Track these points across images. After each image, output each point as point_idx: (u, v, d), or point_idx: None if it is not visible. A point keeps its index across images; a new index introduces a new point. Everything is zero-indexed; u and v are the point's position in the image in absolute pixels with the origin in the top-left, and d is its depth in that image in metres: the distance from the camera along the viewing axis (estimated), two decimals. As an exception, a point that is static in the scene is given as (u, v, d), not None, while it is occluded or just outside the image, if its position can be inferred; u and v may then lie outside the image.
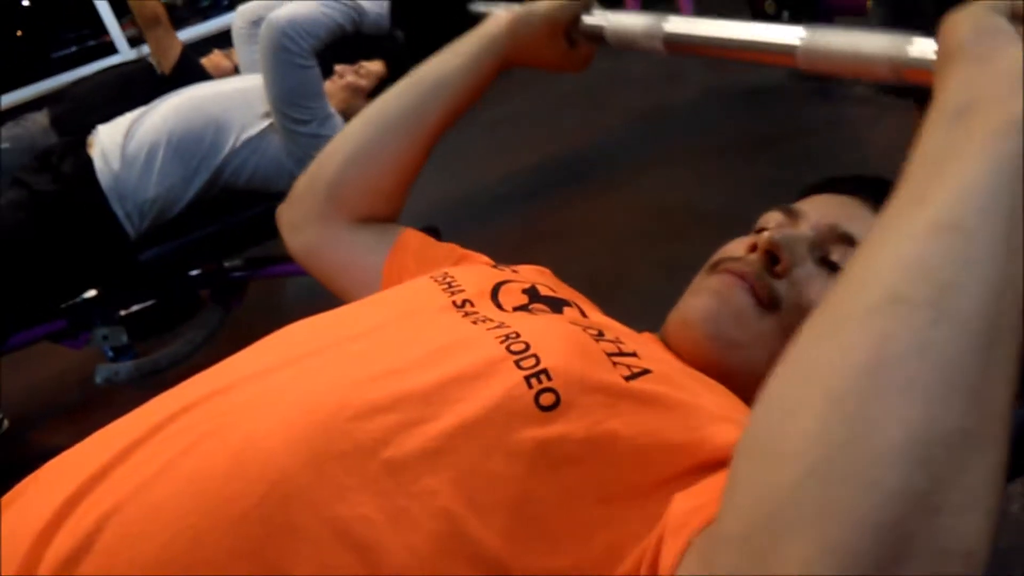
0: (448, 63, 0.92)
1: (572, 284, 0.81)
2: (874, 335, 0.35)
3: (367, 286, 0.87)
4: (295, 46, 1.83)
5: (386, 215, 0.94)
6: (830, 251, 0.68)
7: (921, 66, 0.57)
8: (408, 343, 0.58)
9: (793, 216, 0.71)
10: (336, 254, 0.92)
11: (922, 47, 0.57)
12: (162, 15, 2.35)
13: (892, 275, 0.37)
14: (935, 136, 0.42)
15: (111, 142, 1.89)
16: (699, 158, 2.97)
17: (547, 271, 0.82)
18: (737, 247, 0.72)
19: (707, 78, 3.68)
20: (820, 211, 0.71)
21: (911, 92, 1.54)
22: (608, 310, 0.77)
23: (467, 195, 3.17)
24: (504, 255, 0.89)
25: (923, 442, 0.32)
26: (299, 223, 0.93)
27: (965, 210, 0.37)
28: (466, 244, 0.92)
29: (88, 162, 1.88)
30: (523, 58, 0.93)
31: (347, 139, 0.92)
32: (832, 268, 0.67)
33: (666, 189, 2.80)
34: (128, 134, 1.90)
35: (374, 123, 0.91)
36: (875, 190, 0.71)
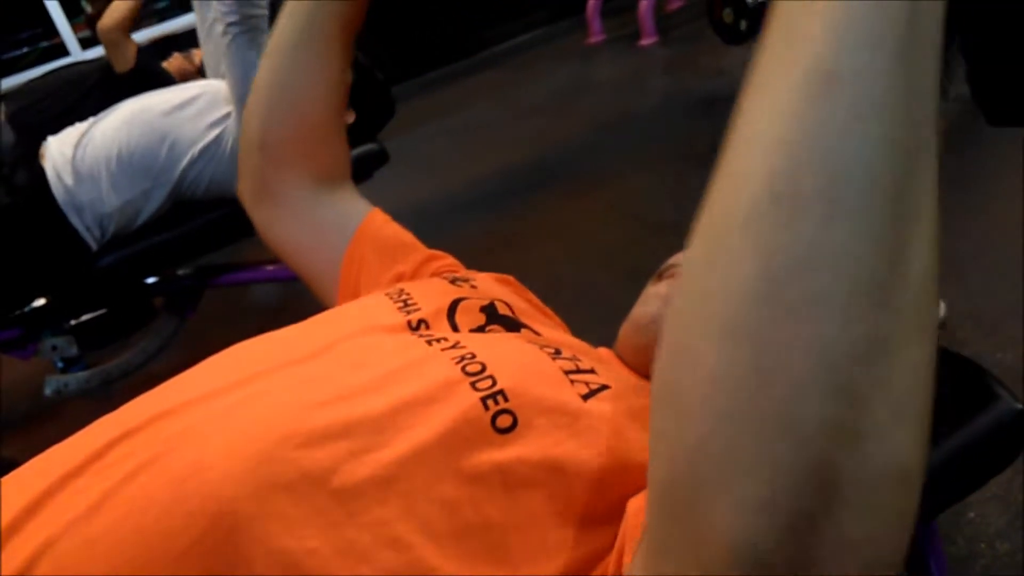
0: None
1: (534, 292, 0.80)
2: (761, 248, 0.30)
3: (327, 271, 0.84)
4: (242, 23, 1.80)
5: (332, 167, 0.87)
6: None
7: None
8: (359, 366, 0.56)
9: None
10: (295, 231, 0.86)
11: None
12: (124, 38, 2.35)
13: (771, 162, 0.30)
14: None
15: (61, 156, 1.85)
16: (662, 166, 2.99)
17: (511, 279, 0.80)
18: (682, 255, 0.72)
19: (669, 85, 3.70)
20: None
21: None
22: (570, 318, 0.76)
23: (430, 202, 3.15)
24: (466, 263, 0.87)
25: (832, 366, 0.28)
26: (251, 196, 0.88)
27: (841, 55, 0.30)
28: (430, 250, 0.88)
29: (41, 174, 1.83)
30: None
31: (257, 90, 0.85)
32: None
33: (629, 197, 2.81)
34: (78, 146, 1.86)
35: (273, 60, 0.84)
36: None
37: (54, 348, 2.06)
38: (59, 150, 1.87)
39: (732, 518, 0.29)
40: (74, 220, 1.82)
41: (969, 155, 2.17)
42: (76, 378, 2.12)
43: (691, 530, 0.31)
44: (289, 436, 0.48)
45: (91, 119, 1.94)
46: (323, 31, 0.82)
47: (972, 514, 1.34)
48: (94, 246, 1.87)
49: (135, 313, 2.31)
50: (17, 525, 0.46)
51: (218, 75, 2.04)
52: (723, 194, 0.33)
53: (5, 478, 0.52)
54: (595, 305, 2.08)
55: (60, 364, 2.15)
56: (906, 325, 0.30)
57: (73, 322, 2.12)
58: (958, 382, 0.90)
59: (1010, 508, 1.32)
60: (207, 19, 1.98)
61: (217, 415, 0.51)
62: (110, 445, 0.50)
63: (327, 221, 0.86)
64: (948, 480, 0.81)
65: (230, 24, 1.80)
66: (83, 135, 1.89)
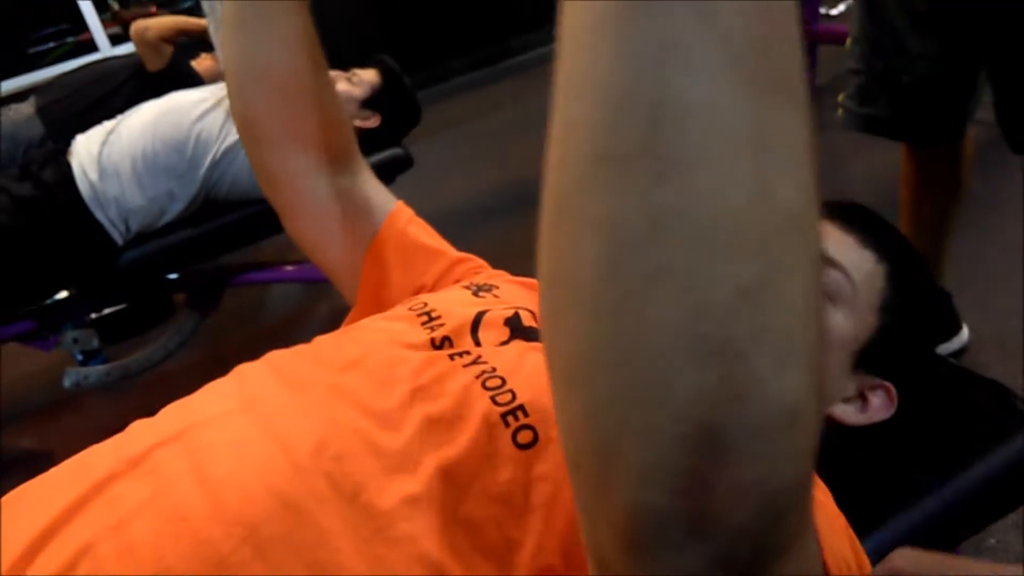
0: None
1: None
2: (594, 222, 0.27)
3: (352, 263, 0.82)
4: None
5: (333, 143, 0.82)
6: None
7: None
8: (387, 382, 0.56)
9: None
10: (317, 222, 0.82)
11: None
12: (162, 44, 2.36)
13: (593, 113, 0.27)
14: None
15: (87, 153, 1.87)
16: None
17: (537, 284, 0.79)
18: None
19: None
20: None
21: (889, 131, 1.54)
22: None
23: (455, 207, 3.15)
24: (491, 266, 0.86)
25: (697, 333, 0.26)
26: (266, 189, 0.85)
27: None
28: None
29: (68, 171, 1.85)
30: None
31: (227, 68, 0.81)
32: None
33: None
34: (104, 144, 1.88)
35: (233, 35, 0.78)
36: (842, 213, 0.72)
37: (75, 340, 2.08)
38: (86, 147, 1.88)
39: (626, 484, 0.29)
40: (99, 215, 1.84)
41: (994, 180, 2.15)
42: (95, 371, 2.13)
43: (597, 498, 0.31)
44: (321, 450, 0.48)
45: (119, 117, 1.96)
46: None
47: (993, 540, 1.32)
48: (119, 240, 1.88)
49: (156, 309, 2.32)
50: (60, 523, 0.47)
51: None
52: (552, 157, 0.30)
53: (47, 473, 0.53)
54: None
55: (80, 357, 2.16)
56: (778, 264, 0.27)
57: (95, 315, 2.13)
58: (984, 405, 0.89)
59: (1031, 535, 1.30)
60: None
61: (253, 427, 0.52)
62: (148, 451, 0.51)
63: (346, 213, 0.82)
64: (973, 506, 0.80)
65: None
66: (109, 133, 1.90)
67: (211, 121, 1.92)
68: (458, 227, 2.92)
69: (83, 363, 2.17)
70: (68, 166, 1.85)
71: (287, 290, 2.61)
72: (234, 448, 0.50)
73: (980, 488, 0.79)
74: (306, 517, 0.45)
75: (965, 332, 1.75)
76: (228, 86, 0.80)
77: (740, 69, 0.25)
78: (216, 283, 2.23)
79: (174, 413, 0.55)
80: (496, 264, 0.87)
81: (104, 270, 1.91)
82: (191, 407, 0.55)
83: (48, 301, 1.98)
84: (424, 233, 0.85)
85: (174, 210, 1.92)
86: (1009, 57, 1.34)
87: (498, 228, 2.93)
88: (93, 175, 1.84)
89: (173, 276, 2.18)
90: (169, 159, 1.87)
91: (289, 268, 2.19)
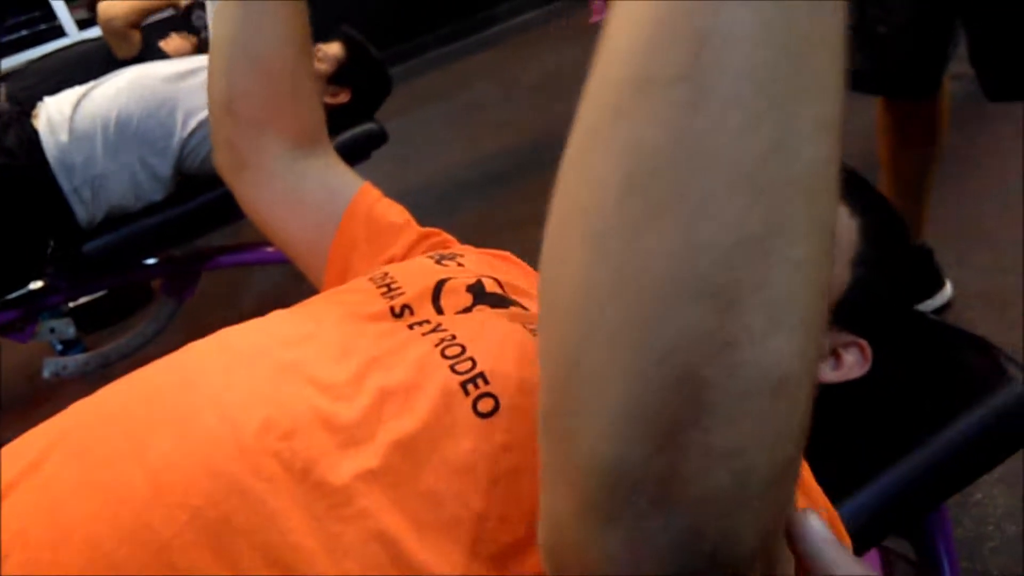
0: None
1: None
2: (624, 145, 0.27)
3: (317, 245, 0.81)
4: None
5: (307, 127, 0.82)
6: None
7: None
8: (341, 355, 0.54)
9: None
10: (280, 204, 0.82)
11: None
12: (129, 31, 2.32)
13: (633, 49, 0.28)
14: None
15: (59, 114, 1.81)
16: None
17: (508, 255, 0.78)
18: None
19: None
20: None
21: (866, 86, 1.53)
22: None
23: (431, 184, 3.13)
24: (467, 243, 0.85)
25: (696, 270, 0.26)
26: (228, 167, 0.84)
27: None
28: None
29: (33, 133, 1.79)
30: None
31: (215, 52, 0.81)
32: None
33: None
34: (77, 106, 1.82)
35: (228, 16, 0.79)
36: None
37: (52, 330, 2.05)
38: (57, 108, 1.82)
39: (597, 433, 0.28)
40: (62, 180, 1.77)
41: (972, 132, 2.14)
42: (75, 360, 2.11)
43: (565, 451, 0.30)
44: (269, 427, 0.46)
45: (92, 82, 1.91)
46: None
47: (979, 495, 1.32)
48: (83, 213, 1.82)
49: (133, 296, 2.29)
50: None
51: None
52: (591, 88, 0.30)
53: None
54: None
55: (59, 347, 2.14)
56: (790, 221, 0.27)
57: (71, 304, 2.11)
58: (969, 361, 0.88)
59: (1017, 489, 1.30)
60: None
61: (196, 405, 0.49)
62: (89, 429, 0.48)
63: (312, 194, 0.82)
64: (959, 462, 0.79)
65: None
66: (82, 96, 1.85)
67: (187, 90, 1.88)
68: (435, 203, 2.91)
69: (62, 353, 2.14)
70: (33, 128, 1.80)
71: (265, 272, 2.58)
72: (177, 427, 0.47)
73: (965, 444, 0.78)
74: (253, 498, 0.44)
75: (948, 288, 1.75)
76: (214, 62, 0.80)
77: (790, 19, 0.26)
78: (192, 267, 2.20)
79: (115, 392, 0.53)
80: (475, 239, 0.85)
81: (68, 247, 1.85)
82: (132, 385, 0.53)
83: (22, 291, 1.95)
84: (392, 211, 0.84)
85: (149, 186, 1.87)
86: (983, 2, 1.34)
87: (476, 203, 2.91)
88: (63, 136, 1.77)
89: (151, 261, 2.15)
90: (141, 124, 1.83)
91: (267, 249, 2.16)
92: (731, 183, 0.26)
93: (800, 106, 0.26)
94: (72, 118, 1.80)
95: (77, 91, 1.88)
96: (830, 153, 0.28)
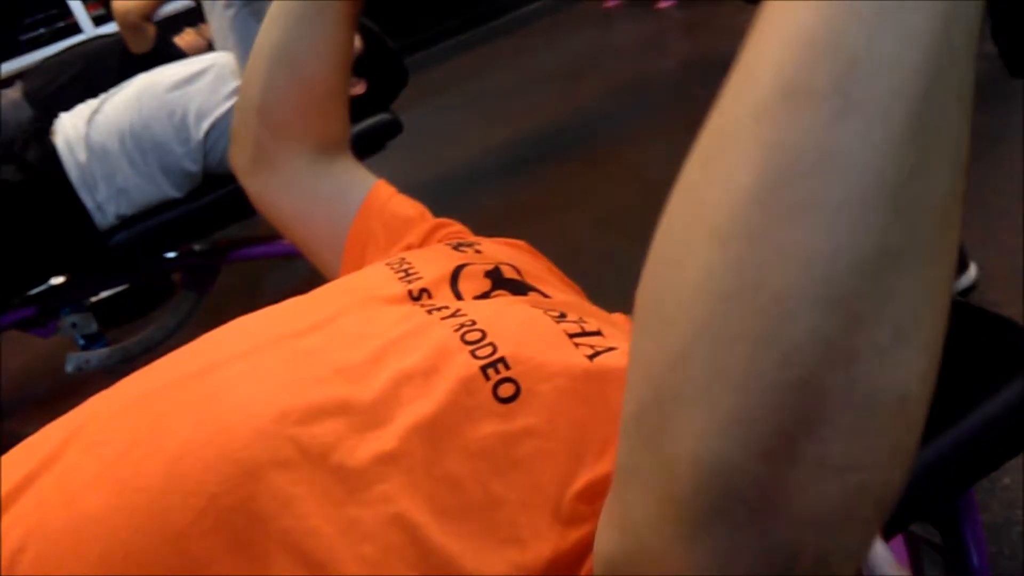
0: None
1: (554, 261, 0.78)
2: (763, 147, 0.27)
3: (329, 244, 0.82)
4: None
5: (332, 135, 0.85)
6: None
7: None
8: (359, 339, 0.54)
9: None
10: (293, 201, 0.84)
11: None
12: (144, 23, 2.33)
13: (785, 54, 0.28)
14: None
15: (74, 131, 1.84)
16: (680, 130, 2.91)
17: (523, 244, 0.78)
18: None
19: (689, 48, 3.64)
20: None
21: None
22: (591, 287, 0.73)
23: (447, 173, 3.12)
24: (485, 232, 0.84)
25: (827, 276, 0.26)
26: (246, 165, 0.85)
27: None
28: (445, 222, 0.86)
29: (53, 152, 1.82)
30: None
31: (258, 54, 0.82)
32: None
33: (648, 163, 2.76)
34: (91, 121, 1.85)
35: (278, 23, 0.80)
36: None
37: (74, 325, 2.07)
38: (72, 125, 1.85)
39: (703, 432, 0.27)
40: (85, 198, 1.81)
41: (996, 112, 2.11)
42: (97, 355, 2.13)
43: (658, 451, 0.29)
44: (287, 412, 0.46)
45: (103, 95, 1.93)
46: None
47: (1007, 480, 1.30)
48: (105, 224, 1.85)
49: (154, 290, 2.31)
50: (7, 503, 0.45)
51: (226, 48, 2.02)
52: (731, 94, 0.30)
53: (3, 456, 0.51)
54: (617, 273, 2.05)
55: (81, 341, 2.15)
56: (921, 241, 0.27)
57: (92, 299, 2.12)
58: (995, 342, 0.87)
59: (1045, 473, 1.29)
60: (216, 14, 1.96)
61: (214, 391, 0.49)
62: (106, 421, 0.48)
63: (328, 192, 0.83)
64: (986, 446, 0.78)
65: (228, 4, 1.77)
66: (95, 111, 1.87)
67: (196, 93, 1.89)
68: (452, 192, 2.90)
69: (85, 347, 2.16)
70: (52, 146, 1.82)
71: (285, 265, 2.59)
72: (193, 416, 0.47)
73: (991, 427, 0.77)
74: (269, 483, 0.43)
75: (973, 269, 1.73)
76: (254, 64, 0.81)
77: (938, 57, 0.27)
78: (213, 261, 2.21)
79: (131, 384, 0.53)
80: (492, 227, 0.85)
81: (89, 256, 1.89)
82: (149, 376, 0.53)
83: (43, 287, 1.96)
84: (406, 204, 0.84)
85: (173, 185, 1.89)
86: None
87: (493, 192, 2.90)
88: (81, 155, 1.81)
89: (171, 255, 2.16)
90: (157, 134, 1.85)
91: (287, 242, 2.16)
92: (872, 196, 0.26)
93: (939, 139, 0.27)
94: (88, 135, 1.83)
95: (90, 105, 1.90)
96: (960, 189, 0.28)
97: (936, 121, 0.27)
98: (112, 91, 1.93)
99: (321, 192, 0.83)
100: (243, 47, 1.82)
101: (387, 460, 0.45)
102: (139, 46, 2.37)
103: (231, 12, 1.78)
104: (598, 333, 0.54)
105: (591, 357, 0.51)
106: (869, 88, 0.26)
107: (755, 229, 0.27)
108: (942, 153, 0.27)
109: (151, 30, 2.38)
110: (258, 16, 1.79)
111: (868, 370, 0.26)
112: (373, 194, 0.83)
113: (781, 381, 0.26)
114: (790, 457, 0.26)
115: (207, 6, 2.21)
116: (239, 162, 0.86)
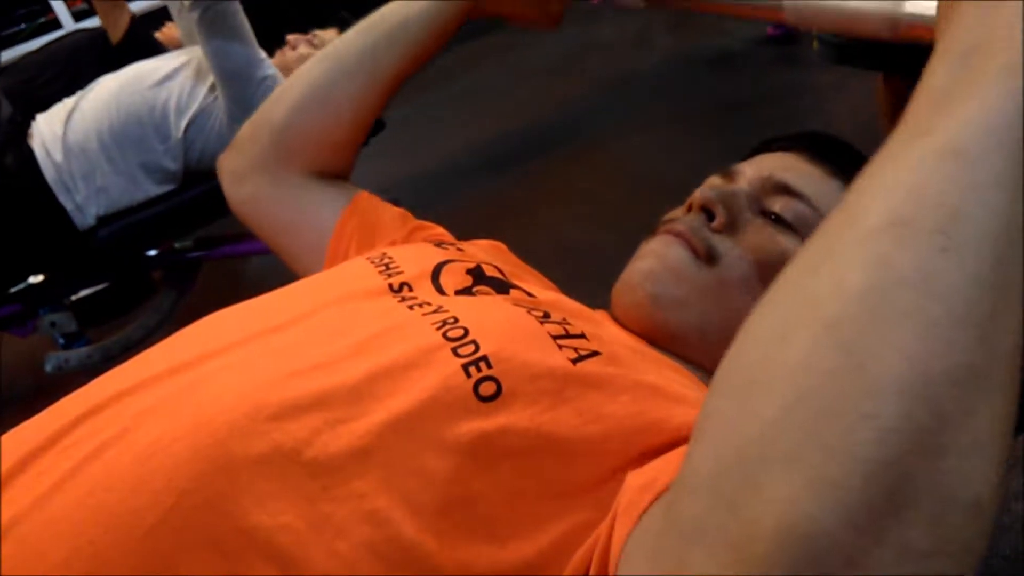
0: (411, 5, 0.85)
1: (539, 256, 0.77)
2: (873, 259, 0.31)
3: (313, 249, 0.83)
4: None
5: (336, 170, 0.88)
6: (769, 203, 0.67)
7: (918, 21, 0.58)
8: (337, 333, 0.53)
9: (730, 176, 0.71)
10: (281, 210, 0.85)
11: (918, 2, 0.58)
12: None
13: (894, 199, 0.32)
14: (939, 76, 0.38)
15: (51, 133, 1.82)
16: (666, 126, 2.93)
17: (501, 245, 0.78)
18: (676, 211, 0.72)
19: (673, 44, 3.65)
20: (755, 167, 0.71)
21: (864, 61, 1.51)
22: (575, 282, 0.73)
23: (431, 168, 3.11)
24: (470, 229, 0.84)
25: (926, 376, 0.29)
26: (243, 172, 0.87)
27: (972, 138, 0.33)
28: (430, 219, 0.86)
29: (30, 155, 1.80)
30: (493, 6, 0.86)
31: (298, 82, 0.85)
32: (774, 219, 0.66)
33: (633, 158, 2.77)
34: (67, 121, 1.83)
35: (328, 65, 0.85)
36: (811, 144, 0.72)
37: (53, 324, 2.05)
38: (48, 127, 1.84)
39: (793, 496, 0.28)
40: (64, 200, 1.80)
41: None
42: (77, 354, 2.10)
43: (737, 512, 0.29)
44: (261, 408, 0.46)
45: (79, 93, 1.90)
46: (382, 68, 0.83)
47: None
48: (84, 225, 1.84)
49: (134, 288, 2.28)
50: None
51: (194, 43, 2.00)
52: (843, 218, 0.34)
53: None
54: (600, 268, 2.05)
55: (61, 340, 2.13)
56: (995, 369, 0.30)
57: (72, 298, 2.10)
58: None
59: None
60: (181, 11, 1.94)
61: (186, 388, 0.49)
62: (76, 422, 0.48)
63: (317, 200, 0.85)
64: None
65: (192, 5, 1.75)
66: (71, 110, 1.85)
67: (175, 88, 1.87)
68: (437, 188, 2.89)
69: (65, 347, 2.13)
70: (30, 149, 1.80)
71: (266, 262, 2.57)
72: (165, 413, 0.47)
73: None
74: (242, 480, 0.43)
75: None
76: (288, 91, 0.85)
77: (1014, 206, 0.31)
78: (194, 258, 2.19)
79: (104, 382, 0.52)
80: (477, 223, 0.85)
81: (69, 257, 1.88)
82: (123, 374, 0.53)
83: (21, 286, 1.94)
84: (389, 208, 0.86)
85: (154, 188, 1.88)
86: None
87: (478, 188, 2.89)
88: (58, 156, 1.79)
89: (152, 253, 2.14)
90: (135, 131, 1.83)
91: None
92: (964, 317, 0.30)
93: (1013, 290, 0.31)
94: (64, 135, 1.81)
95: (66, 105, 1.88)
96: (1020, 346, 0.31)
97: (1010, 268, 0.31)
98: (87, 89, 1.91)
99: (310, 202, 0.85)
100: (208, 58, 1.81)
101: (362, 456, 0.44)
102: (115, 27, 2.33)
103: (195, 15, 1.76)
104: (582, 336, 0.54)
105: (575, 361, 0.51)
106: (965, 233, 0.31)
107: (863, 320, 0.30)
108: (1014, 294, 0.31)
109: (125, 16, 2.34)
110: (218, 30, 1.76)
111: (953, 466, 0.28)
112: (356, 200, 0.84)
113: (875, 457, 0.28)
114: (876, 532, 0.27)
115: (173, 6, 2.19)
116: (232, 167, 0.87)
